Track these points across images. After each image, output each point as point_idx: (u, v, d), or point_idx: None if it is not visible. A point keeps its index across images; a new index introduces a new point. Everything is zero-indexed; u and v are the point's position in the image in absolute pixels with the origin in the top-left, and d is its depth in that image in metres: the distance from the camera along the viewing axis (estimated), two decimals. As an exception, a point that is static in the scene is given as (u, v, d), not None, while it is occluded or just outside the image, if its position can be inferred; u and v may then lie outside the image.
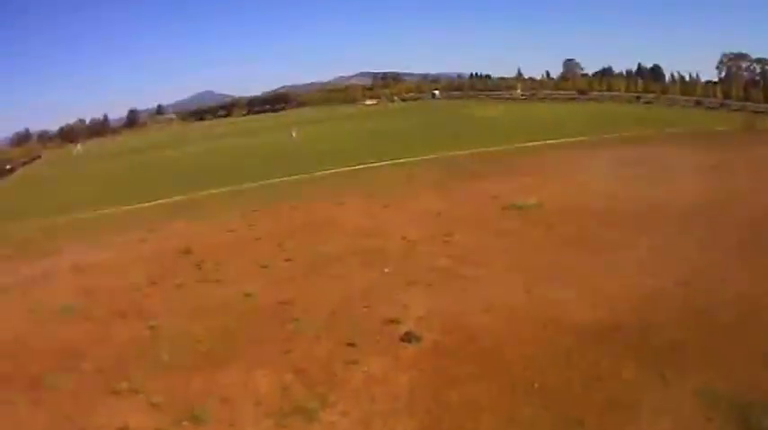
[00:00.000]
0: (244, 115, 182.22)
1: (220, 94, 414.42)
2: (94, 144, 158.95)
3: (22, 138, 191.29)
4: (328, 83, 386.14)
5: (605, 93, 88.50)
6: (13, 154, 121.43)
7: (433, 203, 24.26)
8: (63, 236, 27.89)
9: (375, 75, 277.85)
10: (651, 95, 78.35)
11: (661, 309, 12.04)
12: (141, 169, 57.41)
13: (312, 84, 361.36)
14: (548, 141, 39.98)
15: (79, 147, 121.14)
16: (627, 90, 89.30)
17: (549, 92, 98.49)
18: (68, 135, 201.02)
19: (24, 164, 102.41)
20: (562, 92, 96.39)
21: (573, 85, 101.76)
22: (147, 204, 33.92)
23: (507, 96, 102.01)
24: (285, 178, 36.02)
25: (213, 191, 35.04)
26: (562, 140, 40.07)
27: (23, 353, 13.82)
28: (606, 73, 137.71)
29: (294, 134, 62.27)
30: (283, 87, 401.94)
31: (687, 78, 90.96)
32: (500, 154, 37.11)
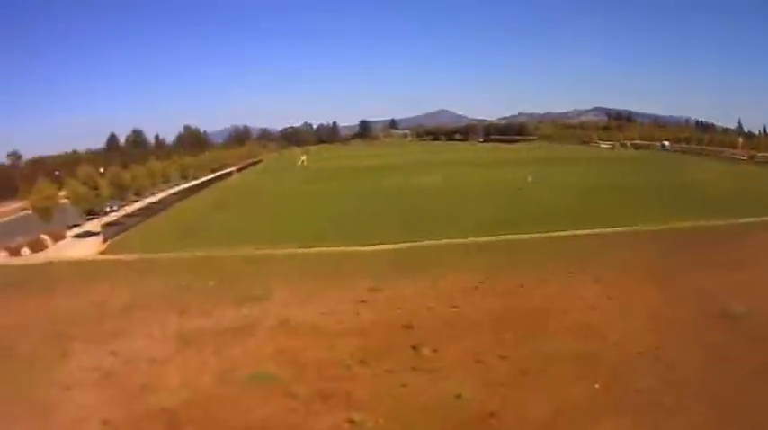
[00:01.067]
0: (480, 142, 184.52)
1: (456, 115, 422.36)
2: (323, 150, 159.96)
3: (241, 135, 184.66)
4: (563, 114, 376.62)
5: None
6: (231, 153, 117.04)
7: (642, 297, 21.97)
8: (274, 274, 26.88)
9: (609, 111, 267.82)
10: None
11: None
12: (370, 197, 54.42)
13: (547, 114, 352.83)
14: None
15: (304, 158, 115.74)
16: None
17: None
18: (292, 137, 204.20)
19: (241, 169, 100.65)
20: None
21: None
22: (371, 248, 31.87)
23: (728, 156, 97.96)
24: (520, 235, 33.46)
25: (444, 240, 32.90)
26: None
27: (212, 425, 13.62)
28: None
29: (530, 179, 60.38)
30: (519, 115, 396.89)
31: None
32: (716, 231, 33.33)
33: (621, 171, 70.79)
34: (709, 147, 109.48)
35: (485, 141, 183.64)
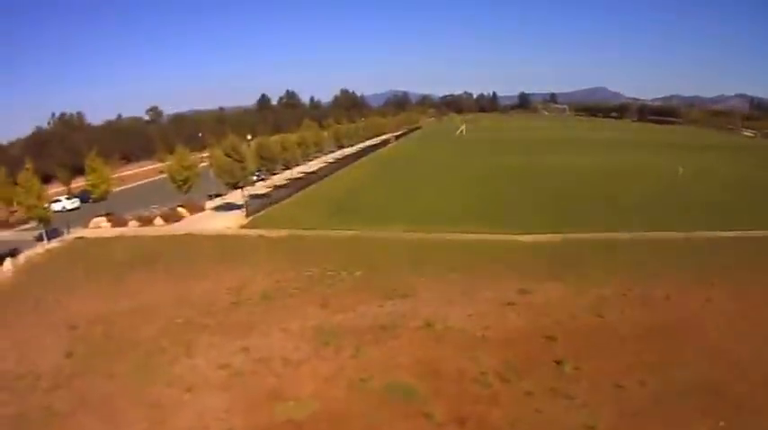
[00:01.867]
0: (634, 121, 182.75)
1: (612, 92, 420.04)
2: (483, 118, 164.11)
3: (401, 100, 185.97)
4: (710, 99, 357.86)
5: None
6: (388, 121, 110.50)
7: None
8: (424, 261, 24.85)
9: (751, 99, 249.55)
10: None
11: None
12: (526, 177, 51.07)
13: (696, 97, 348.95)
14: None
15: (463, 128, 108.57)
16: None
17: None
18: (452, 105, 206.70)
19: (399, 136, 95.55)
20: None
21: None
22: (521, 238, 29.18)
23: None
24: (667, 233, 30.05)
25: (593, 233, 29.83)
26: None
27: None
28: None
29: (681, 170, 51.17)
30: (672, 97, 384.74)
31: None
32: None
33: None
34: None
35: (638, 120, 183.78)
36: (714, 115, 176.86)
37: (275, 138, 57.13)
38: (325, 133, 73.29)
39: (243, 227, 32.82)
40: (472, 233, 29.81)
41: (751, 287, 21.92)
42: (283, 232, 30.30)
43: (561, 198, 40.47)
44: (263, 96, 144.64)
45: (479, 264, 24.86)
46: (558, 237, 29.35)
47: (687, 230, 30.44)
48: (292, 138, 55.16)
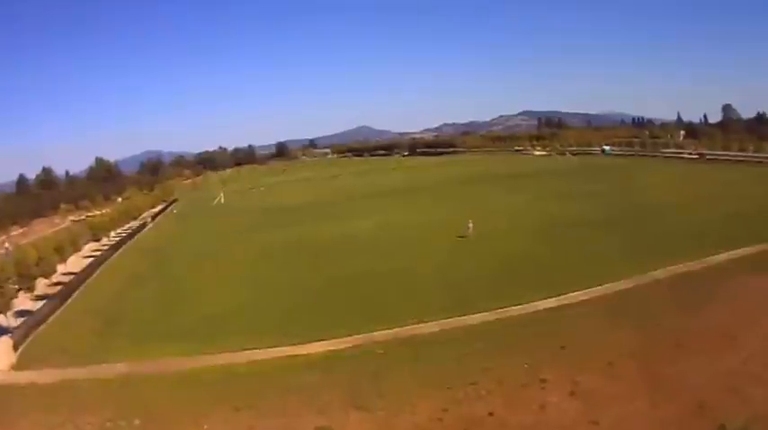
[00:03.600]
0: (405, 155, 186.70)
1: (376, 131, 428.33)
2: (242, 176, 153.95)
3: (154, 164, 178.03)
4: (489, 122, 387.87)
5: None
6: (144, 199, 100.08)
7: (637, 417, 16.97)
8: (204, 400, 21.66)
9: (537, 114, 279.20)
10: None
11: None
12: (298, 258, 45.37)
13: (471, 122, 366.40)
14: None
15: (221, 196, 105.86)
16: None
17: (717, 153, 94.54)
18: (208, 163, 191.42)
19: (156, 216, 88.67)
20: (730, 153, 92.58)
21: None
22: (314, 349, 25.30)
23: (678, 156, 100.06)
24: (470, 315, 27.28)
25: (380, 330, 26.50)
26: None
27: None
28: (762, 120, 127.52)
29: (471, 226, 45.89)
30: (443, 125, 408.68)
31: None
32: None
33: (580, 193, 63.29)
34: (654, 153, 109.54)
35: (409, 155, 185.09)
36: (496, 140, 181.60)
37: (28, 243, 50.42)
38: (77, 227, 65.99)
39: (13, 368, 28.39)
40: (255, 349, 26.54)
41: (591, 378, 19.35)
42: (56, 373, 27.02)
43: (347, 282, 36.32)
44: (21, 178, 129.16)
45: (269, 395, 21.80)
46: (352, 341, 26.14)
47: (501, 305, 27.72)
48: (49, 243, 48.49)
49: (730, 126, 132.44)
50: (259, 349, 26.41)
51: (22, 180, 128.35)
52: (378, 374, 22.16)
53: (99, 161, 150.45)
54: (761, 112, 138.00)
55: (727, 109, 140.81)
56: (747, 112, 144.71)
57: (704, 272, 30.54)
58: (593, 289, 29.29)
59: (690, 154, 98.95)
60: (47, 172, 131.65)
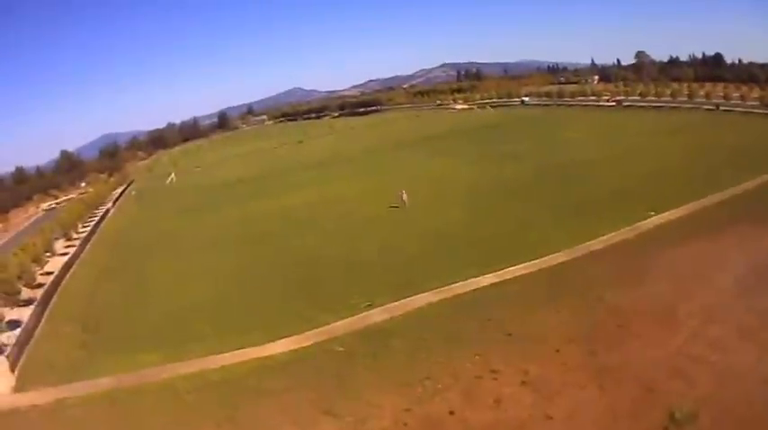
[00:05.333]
0: (335, 116, 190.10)
1: (307, 91, 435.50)
2: (189, 153, 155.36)
3: (111, 148, 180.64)
4: (411, 76, 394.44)
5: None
6: (108, 186, 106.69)
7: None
8: (182, 420, 20.85)
9: (457, 66, 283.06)
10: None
11: None
12: (242, 239, 45.78)
13: (395, 77, 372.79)
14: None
15: (173, 176, 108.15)
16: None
17: (635, 98, 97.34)
18: (159, 142, 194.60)
19: (116, 200, 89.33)
20: (647, 99, 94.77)
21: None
22: (277, 348, 25.00)
23: (596, 104, 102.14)
24: (419, 294, 27.63)
25: (338, 321, 26.49)
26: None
27: None
28: (674, 63, 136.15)
29: (404, 196, 45.98)
30: (369, 81, 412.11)
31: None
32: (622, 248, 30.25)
33: (504, 154, 62.56)
34: (571, 102, 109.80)
35: (339, 116, 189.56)
36: (419, 95, 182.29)
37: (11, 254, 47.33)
38: (49, 224, 61.94)
39: (14, 391, 25.98)
40: (222, 352, 25.56)
41: (537, 365, 19.63)
42: (50, 394, 24.88)
43: (294, 268, 35.77)
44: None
45: (244, 404, 21.14)
46: (313, 337, 25.57)
47: (443, 283, 27.61)
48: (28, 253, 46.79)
49: (643, 69, 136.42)
50: (226, 353, 25.45)
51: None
52: (340, 375, 21.92)
53: (63, 153, 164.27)
54: (674, 56, 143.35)
55: (640, 55, 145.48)
56: (660, 56, 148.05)
57: (638, 240, 30.97)
58: (532, 262, 29.35)
59: (607, 101, 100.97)
60: (20, 169, 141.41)
